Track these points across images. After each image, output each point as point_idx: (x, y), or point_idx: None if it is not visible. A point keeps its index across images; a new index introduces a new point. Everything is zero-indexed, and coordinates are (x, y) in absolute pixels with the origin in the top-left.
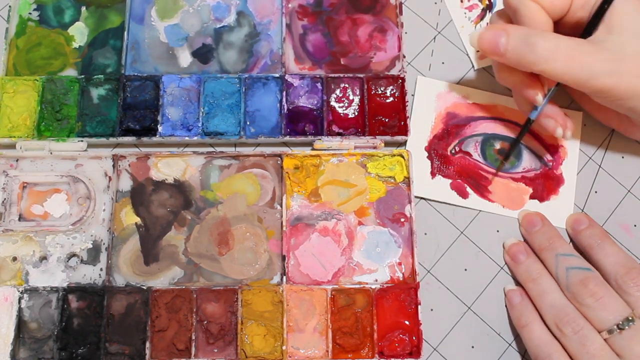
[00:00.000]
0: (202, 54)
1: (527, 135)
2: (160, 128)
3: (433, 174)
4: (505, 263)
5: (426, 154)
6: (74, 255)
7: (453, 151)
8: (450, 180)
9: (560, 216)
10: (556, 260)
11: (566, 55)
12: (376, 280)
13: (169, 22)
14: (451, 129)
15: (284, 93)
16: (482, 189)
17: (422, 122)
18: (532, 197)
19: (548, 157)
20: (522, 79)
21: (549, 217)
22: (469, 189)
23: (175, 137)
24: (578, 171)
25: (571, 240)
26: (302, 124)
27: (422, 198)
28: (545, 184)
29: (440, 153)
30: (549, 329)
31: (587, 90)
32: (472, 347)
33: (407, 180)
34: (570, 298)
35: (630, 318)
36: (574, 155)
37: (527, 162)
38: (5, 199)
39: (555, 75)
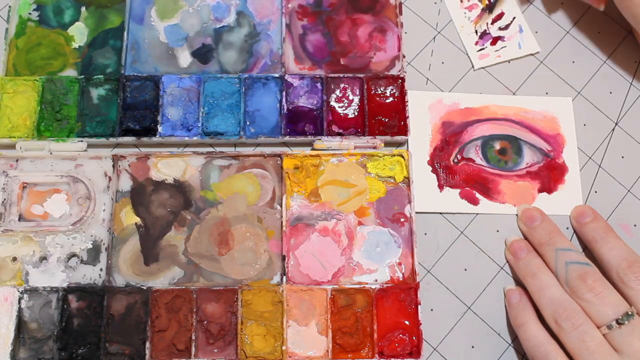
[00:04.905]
0: (202, 54)
1: (524, 129)
2: (160, 128)
3: (441, 187)
4: (506, 260)
5: (430, 168)
6: (74, 255)
7: (455, 160)
8: (458, 190)
9: (570, 204)
10: (556, 254)
11: None
12: (376, 280)
13: (168, 22)
14: (449, 138)
15: (284, 93)
16: (491, 192)
17: (420, 137)
18: (540, 190)
19: (548, 147)
20: None
21: (559, 206)
22: (478, 195)
23: (175, 137)
24: (580, 167)
25: (575, 232)
26: (302, 124)
27: (434, 213)
28: (550, 175)
29: (444, 164)
30: (547, 325)
31: None
32: (472, 347)
33: (407, 180)
34: (569, 293)
35: (629, 313)
36: (572, 141)
37: (528, 156)
38: (5, 199)
39: None
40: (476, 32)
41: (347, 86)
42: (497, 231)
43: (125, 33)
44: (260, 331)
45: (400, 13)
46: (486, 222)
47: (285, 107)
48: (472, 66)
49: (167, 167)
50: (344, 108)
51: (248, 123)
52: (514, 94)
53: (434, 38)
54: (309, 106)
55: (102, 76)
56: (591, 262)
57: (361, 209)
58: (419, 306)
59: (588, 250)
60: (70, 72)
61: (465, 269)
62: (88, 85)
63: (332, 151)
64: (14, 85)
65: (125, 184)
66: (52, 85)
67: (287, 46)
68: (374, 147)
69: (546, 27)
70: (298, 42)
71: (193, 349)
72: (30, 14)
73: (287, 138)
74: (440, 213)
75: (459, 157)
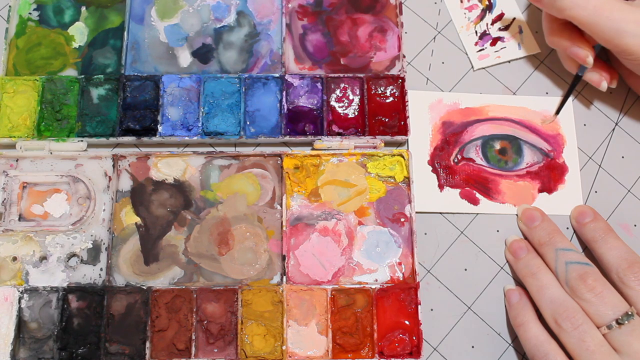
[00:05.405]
0: (202, 54)
1: (524, 129)
2: (160, 128)
3: (441, 187)
4: (506, 260)
5: (430, 167)
6: (74, 255)
7: (456, 160)
8: (459, 190)
9: (570, 204)
10: (556, 254)
11: (597, 5)
12: (376, 280)
13: (169, 22)
14: (449, 137)
15: (284, 93)
16: (491, 192)
17: (420, 136)
18: (540, 190)
19: (548, 147)
20: (572, 41)
21: (559, 206)
22: (478, 195)
23: (175, 137)
24: (580, 167)
25: (575, 232)
26: (302, 123)
27: (434, 213)
28: (550, 175)
29: (444, 164)
30: (547, 325)
31: (612, 48)
32: (472, 347)
33: (407, 180)
34: (569, 293)
35: (629, 313)
36: (572, 142)
37: (529, 156)
38: (5, 199)
39: (583, 23)
40: (476, 32)
41: (347, 86)
42: (497, 231)
43: (125, 33)
44: (260, 331)
45: (400, 13)
46: (486, 222)
47: (286, 107)
48: (472, 67)
49: (167, 167)
50: (344, 108)
51: (248, 123)
52: (514, 94)
53: (434, 38)
54: (309, 106)
55: (102, 76)
56: (591, 262)
57: (361, 209)
58: (419, 306)
59: (588, 250)
60: (70, 72)
61: (465, 269)
62: (88, 85)
63: (332, 151)
64: (14, 85)
65: (126, 183)
66: (52, 85)
67: (287, 46)
68: (374, 147)
69: None
70: (298, 42)
71: (193, 348)
72: (30, 13)
73: (287, 138)
74: (441, 213)
75: (459, 157)
